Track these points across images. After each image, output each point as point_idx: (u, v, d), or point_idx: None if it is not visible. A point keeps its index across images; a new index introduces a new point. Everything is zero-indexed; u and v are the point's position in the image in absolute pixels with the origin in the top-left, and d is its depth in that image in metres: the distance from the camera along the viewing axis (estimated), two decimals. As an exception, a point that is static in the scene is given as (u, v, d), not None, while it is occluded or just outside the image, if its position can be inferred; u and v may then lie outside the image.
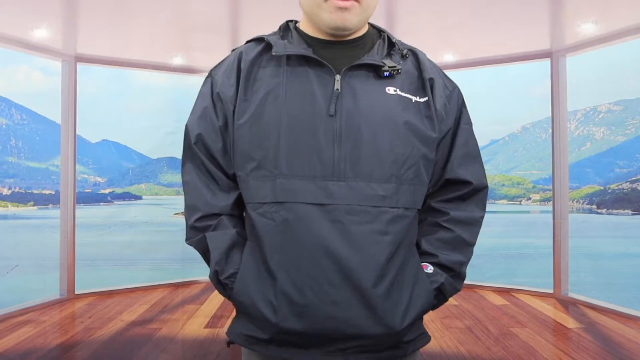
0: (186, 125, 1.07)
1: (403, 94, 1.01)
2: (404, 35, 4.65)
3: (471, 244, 1.08)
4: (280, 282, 0.95)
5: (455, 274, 1.07)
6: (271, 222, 0.96)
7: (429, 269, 1.03)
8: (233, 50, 1.10)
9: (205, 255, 1.04)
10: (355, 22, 0.99)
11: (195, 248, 1.05)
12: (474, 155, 1.10)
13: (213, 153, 1.04)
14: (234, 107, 1.02)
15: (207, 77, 1.09)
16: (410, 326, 1.00)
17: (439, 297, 1.05)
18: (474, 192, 1.09)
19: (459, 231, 1.06)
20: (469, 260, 1.09)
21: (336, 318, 0.94)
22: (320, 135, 0.95)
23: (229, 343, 1.08)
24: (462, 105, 1.10)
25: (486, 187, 1.11)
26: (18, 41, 4.10)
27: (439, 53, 4.82)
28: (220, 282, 1.01)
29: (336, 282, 0.93)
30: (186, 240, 1.07)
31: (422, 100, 1.02)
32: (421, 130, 1.00)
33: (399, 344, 1.00)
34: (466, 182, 1.08)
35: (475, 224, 1.09)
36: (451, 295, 1.08)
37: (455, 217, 1.07)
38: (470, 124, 1.11)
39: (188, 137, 1.06)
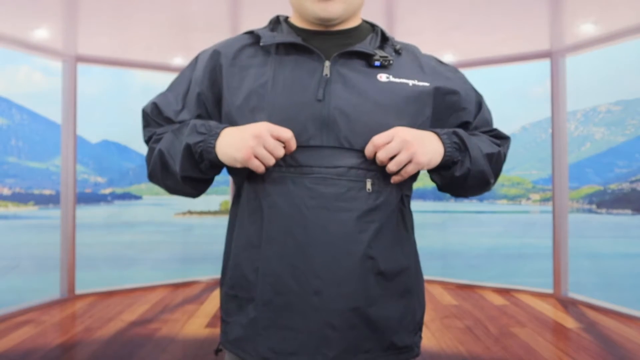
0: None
1: (397, 80, 1.00)
2: (404, 35, 4.68)
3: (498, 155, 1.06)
4: (268, 262, 0.96)
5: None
6: (259, 208, 0.98)
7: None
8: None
9: (168, 159, 1.00)
10: (340, 11, 0.99)
11: (158, 161, 1.01)
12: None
13: (168, 115, 1.05)
14: (213, 98, 1.03)
15: (193, 59, 1.10)
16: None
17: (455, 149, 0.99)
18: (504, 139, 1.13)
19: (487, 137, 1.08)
20: (499, 151, 1.07)
21: (320, 296, 0.94)
22: (308, 121, 0.95)
23: (217, 351, 1.08)
24: (473, 88, 1.13)
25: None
26: (18, 41, 4.11)
27: (438, 53, 4.81)
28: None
29: (319, 271, 0.93)
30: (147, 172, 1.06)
31: (420, 84, 1.01)
32: (414, 115, 0.99)
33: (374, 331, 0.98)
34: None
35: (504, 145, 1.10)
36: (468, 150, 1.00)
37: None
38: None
39: (144, 112, 1.09)
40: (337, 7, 0.98)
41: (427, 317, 3.78)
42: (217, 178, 1.08)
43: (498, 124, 1.16)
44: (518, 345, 3.19)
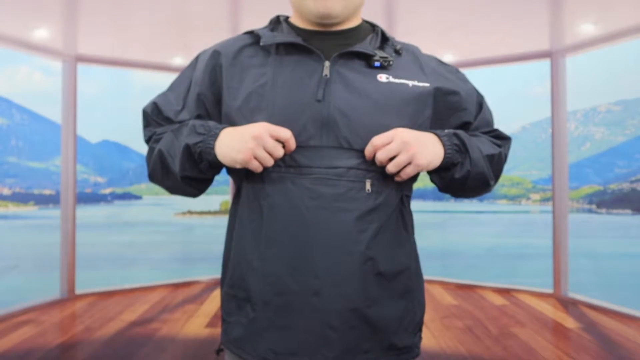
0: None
1: (397, 80, 0.99)
2: (404, 35, 4.69)
3: (497, 154, 1.06)
4: (267, 264, 0.96)
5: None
6: (258, 208, 0.97)
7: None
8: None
9: (168, 158, 1.01)
10: (340, 9, 0.98)
11: (158, 159, 1.02)
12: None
13: (168, 115, 1.05)
14: (212, 97, 1.03)
15: (193, 59, 1.09)
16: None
17: (455, 149, 0.99)
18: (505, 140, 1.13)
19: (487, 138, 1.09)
20: (500, 152, 1.07)
21: (319, 296, 0.93)
22: (308, 121, 0.94)
23: (218, 350, 1.08)
24: (474, 89, 1.12)
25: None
26: (18, 41, 4.11)
27: (439, 53, 4.82)
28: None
29: (319, 271, 0.93)
30: (148, 173, 1.07)
31: (420, 84, 1.01)
32: (414, 115, 0.99)
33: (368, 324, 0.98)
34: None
35: (504, 146, 1.11)
36: (468, 146, 1.00)
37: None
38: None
39: (145, 111, 1.09)
40: (337, 4, 0.98)
41: (427, 317, 3.78)
42: (217, 178, 1.08)
43: (498, 124, 1.16)
44: (518, 345, 3.19)
